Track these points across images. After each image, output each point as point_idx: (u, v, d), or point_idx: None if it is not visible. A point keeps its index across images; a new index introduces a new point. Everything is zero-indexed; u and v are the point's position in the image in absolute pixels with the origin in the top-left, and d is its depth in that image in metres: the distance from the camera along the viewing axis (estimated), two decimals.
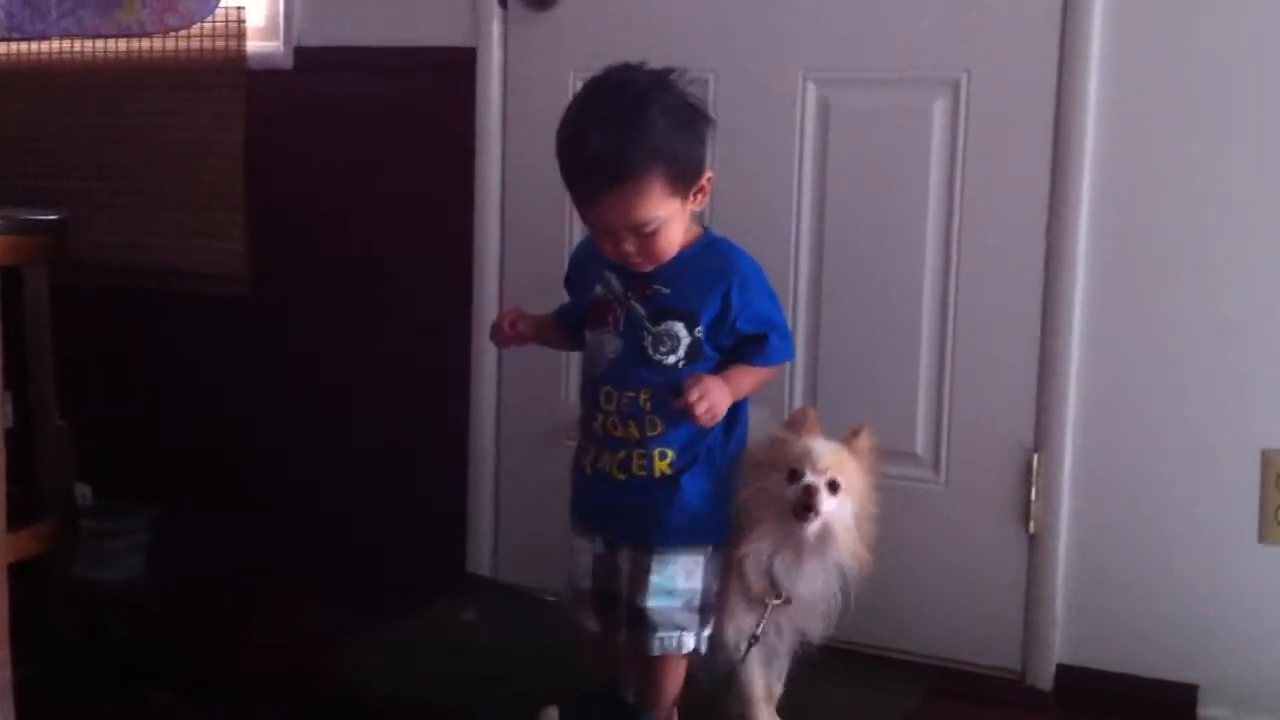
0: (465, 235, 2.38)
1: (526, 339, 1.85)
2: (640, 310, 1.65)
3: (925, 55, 2.04)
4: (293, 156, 2.53)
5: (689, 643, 1.67)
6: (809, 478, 1.61)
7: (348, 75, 2.49)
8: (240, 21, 2.53)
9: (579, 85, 1.72)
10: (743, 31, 2.15)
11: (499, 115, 2.34)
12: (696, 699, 1.76)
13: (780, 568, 1.65)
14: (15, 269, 2.12)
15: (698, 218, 1.71)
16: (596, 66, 1.66)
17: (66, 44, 2.66)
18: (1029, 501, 2.03)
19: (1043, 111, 1.97)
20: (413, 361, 2.48)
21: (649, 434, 1.65)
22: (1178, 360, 1.94)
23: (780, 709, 1.80)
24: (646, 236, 1.59)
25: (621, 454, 1.67)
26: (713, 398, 1.58)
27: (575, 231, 2.25)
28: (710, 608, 1.68)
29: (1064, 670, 2.03)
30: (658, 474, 1.65)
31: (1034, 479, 2.02)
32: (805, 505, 1.60)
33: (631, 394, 1.65)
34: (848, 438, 1.68)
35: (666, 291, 1.64)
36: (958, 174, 2.03)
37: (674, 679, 1.72)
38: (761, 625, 1.68)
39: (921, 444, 2.08)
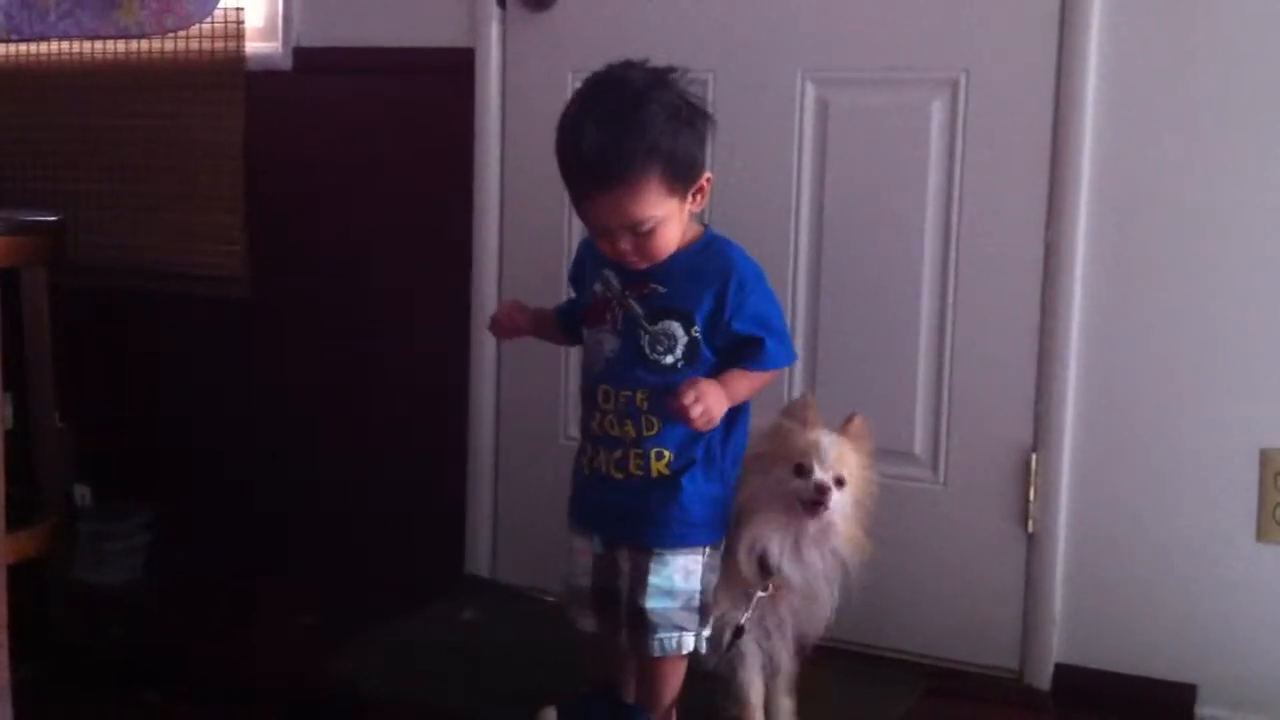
0: (464, 236, 2.38)
1: (524, 331, 1.85)
2: (638, 309, 1.65)
3: (924, 55, 2.04)
4: (292, 157, 2.54)
5: (689, 643, 1.67)
6: (818, 474, 1.62)
7: (347, 76, 2.50)
8: (239, 22, 2.54)
9: (577, 86, 1.72)
10: (741, 32, 2.15)
11: (498, 116, 2.35)
12: (695, 700, 1.75)
13: (780, 556, 1.66)
14: (14, 270, 2.12)
15: (698, 217, 1.71)
16: (595, 67, 1.66)
17: (65, 46, 2.66)
18: (1027, 501, 2.03)
19: (1041, 111, 1.97)
20: (412, 362, 2.48)
21: (645, 433, 1.65)
22: (1176, 360, 1.94)
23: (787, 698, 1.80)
24: (643, 235, 1.59)
25: (618, 453, 1.67)
26: (708, 401, 1.57)
27: (574, 232, 2.25)
28: (710, 608, 1.68)
29: (1062, 670, 2.03)
30: (655, 474, 1.65)
31: (1033, 479, 2.02)
32: (816, 502, 1.62)
33: (628, 393, 1.65)
34: (842, 426, 1.69)
35: (664, 291, 1.64)
36: (956, 174, 2.03)
37: (673, 680, 1.72)
38: (747, 616, 1.69)
39: (920, 444, 2.09)
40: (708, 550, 1.68)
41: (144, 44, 2.59)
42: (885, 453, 1.77)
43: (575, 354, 2.20)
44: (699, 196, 1.65)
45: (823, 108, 2.12)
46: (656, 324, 1.64)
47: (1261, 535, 1.92)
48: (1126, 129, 1.94)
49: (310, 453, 2.57)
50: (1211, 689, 1.94)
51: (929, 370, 2.08)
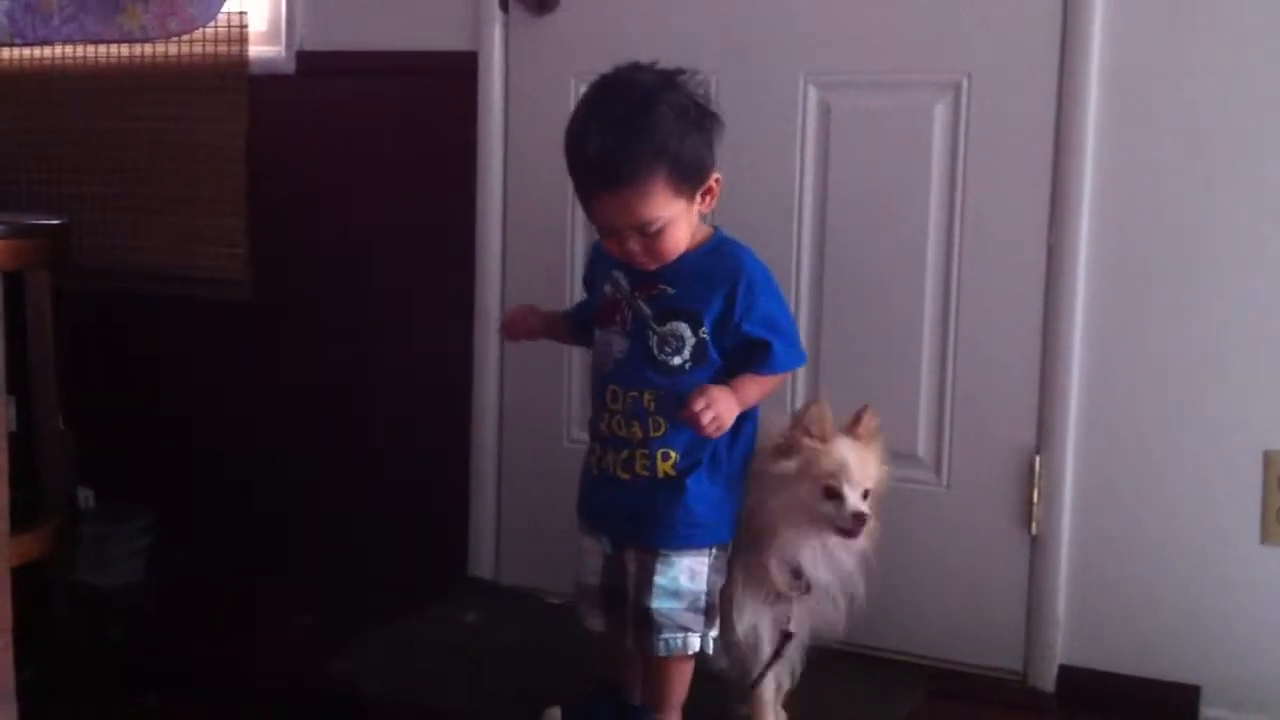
0: (467, 239, 2.38)
1: (537, 334, 1.86)
2: (646, 310, 1.65)
3: (926, 58, 2.05)
4: (295, 161, 2.54)
5: (694, 644, 1.67)
6: (851, 499, 1.63)
7: (349, 80, 2.50)
8: (242, 26, 2.54)
9: (580, 90, 1.72)
10: (744, 35, 2.15)
11: (500, 119, 2.35)
12: (702, 701, 1.75)
13: (815, 566, 1.68)
14: (18, 273, 2.12)
15: (707, 219, 1.71)
16: (598, 71, 1.66)
17: (69, 49, 2.66)
18: (1031, 504, 2.03)
19: (1044, 115, 1.98)
20: (415, 365, 2.48)
21: (652, 434, 1.65)
22: (1179, 362, 1.94)
23: (782, 709, 1.80)
24: (651, 236, 1.60)
25: (625, 453, 1.67)
26: (719, 408, 1.57)
27: (578, 235, 2.26)
28: (715, 608, 1.68)
29: (1066, 671, 2.03)
30: (661, 474, 1.66)
31: (1036, 481, 2.02)
32: (852, 531, 1.63)
33: (636, 394, 1.66)
34: (850, 424, 1.69)
35: (672, 292, 1.64)
36: (959, 177, 2.03)
37: (680, 681, 1.72)
38: (793, 620, 1.70)
39: (923, 447, 2.09)
40: (714, 551, 1.68)
41: (147, 48, 2.59)
42: (888, 455, 1.77)
43: (578, 356, 2.21)
44: (708, 197, 1.65)
45: (825, 111, 2.12)
46: (665, 325, 1.64)
47: (1265, 537, 1.92)
48: (1128, 131, 1.95)
49: (312, 456, 2.57)
50: (1215, 690, 1.94)
51: (932, 373, 2.08)
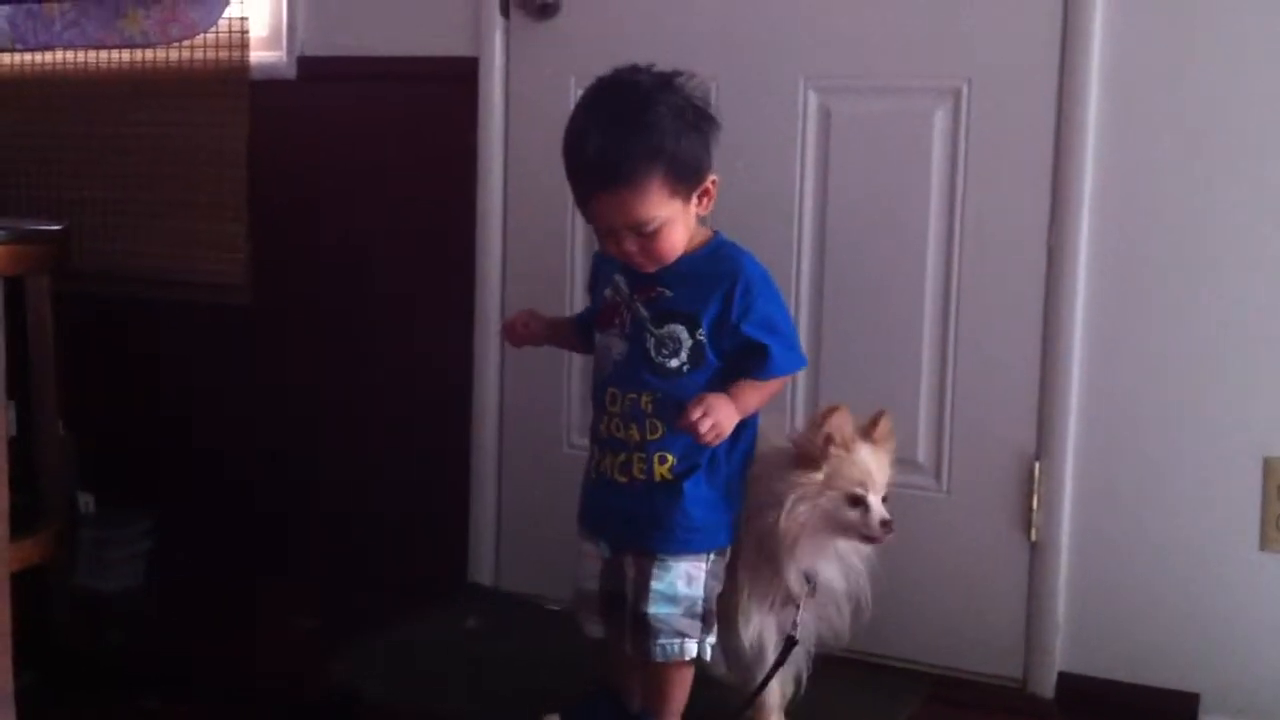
0: (467, 243, 2.39)
1: (539, 339, 1.86)
2: (644, 312, 1.65)
3: (926, 64, 2.05)
4: (295, 166, 2.54)
5: (691, 650, 1.67)
6: (877, 508, 1.64)
7: (350, 85, 2.50)
8: (243, 32, 2.54)
9: (581, 94, 1.72)
10: (744, 40, 2.15)
11: (501, 124, 2.35)
12: (702, 707, 1.75)
13: (832, 573, 1.69)
14: (18, 278, 2.12)
15: (707, 222, 1.71)
16: (598, 75, 1.66)
17: (70, 55, 2.67)
18: (1031, 510, 2.03)
19: (1044, 120, 1.98)
20: (415, 369, 2.48)
21: (649, 437, 1.65)
22: (1180, 368, 1.94)
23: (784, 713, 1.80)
24: (647, 236, 1.60)
25: (622, 456, 1.67)
26: (717, 415, 1.57)
27: (578, 239, 2.26)
28: (713, 615, 1.68)
29: (1066, 678, 2.03)
30: (658, 478, 1.66)
31: (1036, 487, 2.02)
32: (879, 538, 1.65)
33: (634, 396, 1.66)
34: (866, 427, 1.70)
35: (670, 294, 1.65)
36: (959, 182, 2.03)
37: (679, 687, 1.72)
38: (799, 624, 1.70)
39: (923, 452, 2.08)
40: (711, 557, 1.68)
41: (149, 53, 2.60)
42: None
43: (578, 360, 2.22)
44: (705, 199, 1.65)
45: (825, 116, 2.12)
46: (662, 327, 1.64)
47: (1265, 543, 1.91)
48: (1128, 135, 1.94)
49: (313, 460, 2.57)
50: (1215, 697, 1.94)
51: (932, 378, 2.08)
